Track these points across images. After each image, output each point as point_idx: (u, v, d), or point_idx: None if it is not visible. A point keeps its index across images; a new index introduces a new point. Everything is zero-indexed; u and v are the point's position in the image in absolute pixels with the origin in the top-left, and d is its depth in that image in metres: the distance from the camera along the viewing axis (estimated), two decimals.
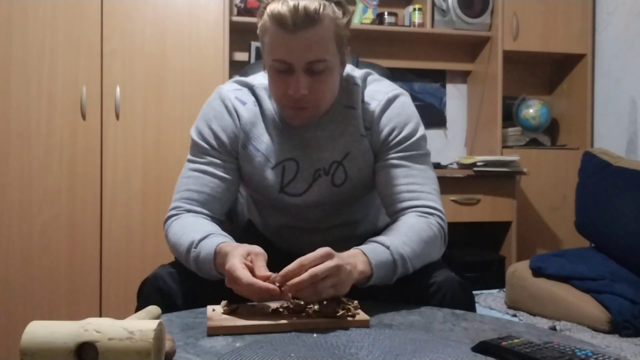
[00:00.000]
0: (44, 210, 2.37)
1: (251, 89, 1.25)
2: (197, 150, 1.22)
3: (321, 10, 1.06)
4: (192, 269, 1.10)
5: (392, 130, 1.20)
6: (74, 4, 2.39)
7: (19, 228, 2.35)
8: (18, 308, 2.33)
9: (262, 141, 1.22)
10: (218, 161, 1.21)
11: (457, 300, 1.08)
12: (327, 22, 1.08)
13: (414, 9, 2.96)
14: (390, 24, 2.98)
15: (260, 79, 1.26)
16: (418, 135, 1.22)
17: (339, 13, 1.11)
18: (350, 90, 1.22)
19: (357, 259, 1.01)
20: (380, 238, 1.09)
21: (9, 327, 2.31)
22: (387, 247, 1.05)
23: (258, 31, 1.14)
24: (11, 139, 2.34)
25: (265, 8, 1.10)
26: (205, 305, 1.04)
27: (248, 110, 1.22)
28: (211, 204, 1.20)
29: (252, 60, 2.78)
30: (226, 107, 1.22)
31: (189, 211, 1.18)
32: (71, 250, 2.39)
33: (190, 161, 1.23)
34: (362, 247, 1.06)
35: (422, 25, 2.96)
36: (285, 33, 1.06)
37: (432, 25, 2.97)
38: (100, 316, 2.24)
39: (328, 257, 0.94)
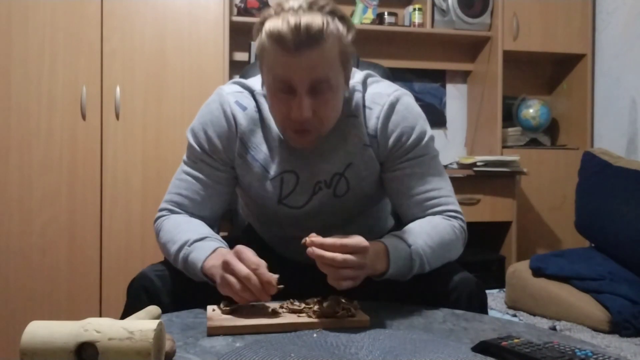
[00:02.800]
0: (44, 210, 2.37)
1: (252, 93, 1.19)
2: (191, 153, 1.20)
3: (325, 28, 0.98)
4: (179, 267, 1.10)
5: (400, 137, 1.15)
6: (74, 4, 2.39)
7: (19, 228, 2.35)
8: (18, 308, 2.33)
9: (261, 150, 1.17)
10: (211, 168, 1.19)
11: (472, 300, 1.09)
12: (331, 41, 1.00)
13: (414, 9, 2.96)
14: (390, 24, 2.98)
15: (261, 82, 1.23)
16: (427, 138, 1.17)
17: (343, 30, 1.03)
18: (351, 98, 1.16)
19: (379, 257, 1.02)
20: (404, 234, 1.09)
21: (9, 327, 2.31)
22: (409, 246, 1.06)
23: (256, 50, 1.07)
24: (11, 139, 2.34)
25: (262, 24, 1.02)
26: (193, 305, 1.05)
27: (247, 116, 1.17)
28: (201, 212, 1.19)
29: (252, 60, 2.78)
30: (224, 112, 1.17)
31: (178, 215, 1.19)
32: (71, 250, 2.39)
33: (185, 163, 1.22)
34: (387, 242, 1.05)
35: (422, 25, 2.96)
36: (286, 53, 0.99)
37: (432, 25, 2.97)
38: (100, 316, 2.24)
39: (364, 251, 0.95)
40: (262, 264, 0.95)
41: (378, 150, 1.17)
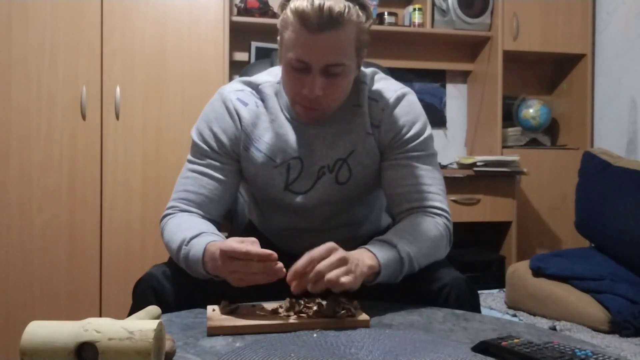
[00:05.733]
0: (44, 210, 2.37)
1: (255, 88, 1.24)
2: (197, 151, 1.22)
3: (346, 13, 1.05)
4: (183, 267, 1.11)
5: (401, 129, 1.20)
6: (74, 4, 2.39)
7: (19, 228, 2.35)
8: (18, 308, 2.33)
9: (264, 141, 1.21)
10: (217, 163, 1.21)
11: (462, 299, 1.09)
12: (350, 26, 1.07)
13: (414, 9, 2.96)
14: (390, 24, 2.98)
15: (265, 77, 1.26)
16: (426, 134, 1.23)
17: (362, 17, 1.10)
18: (357, 88, 1.22)
19: (364, 255, 1.02)
20: (386, 237, 1.09)
21: (9, 327, 2.31)
22: (394, 246, 1.06)
23: (278, 25, 1.12)
24: (11, 139, 2.34)
25: (288, 1, 1.08)
26: (200, 305, 1.04)
27: (249, 111, 1.22)
28: (208, 205, 1.20)
29: (252, 60, 2.78)
30: (227, 108, 1.21)
31: (184, 211, 1.19)
32: (71, 250, 2.39)
33: (189, 162, 1.23)
34: (368, 245, 1.07)
35: (422, 25, 2.96)
36: (307, 32, 1.05)
37: (432, 25, 2.97)
38: (100, 316, 2.24)
39: (333, 250, 0.96)
40: (251, 249, 0.94)
41: (379, 139, 1.22)
